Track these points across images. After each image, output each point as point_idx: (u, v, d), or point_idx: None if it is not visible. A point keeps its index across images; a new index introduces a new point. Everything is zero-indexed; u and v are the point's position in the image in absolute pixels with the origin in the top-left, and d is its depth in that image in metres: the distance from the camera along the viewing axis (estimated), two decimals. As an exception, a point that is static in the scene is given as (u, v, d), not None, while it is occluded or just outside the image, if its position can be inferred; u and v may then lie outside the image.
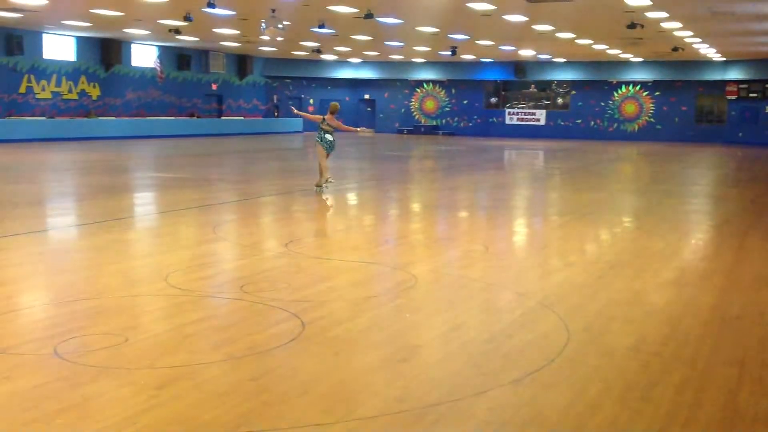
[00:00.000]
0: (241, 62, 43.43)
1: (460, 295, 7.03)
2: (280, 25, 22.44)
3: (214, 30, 30.28)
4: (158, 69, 36.94)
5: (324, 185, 14.87)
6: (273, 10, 21.91)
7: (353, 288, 7.17)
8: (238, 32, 30.98)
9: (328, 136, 15.12)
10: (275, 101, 46.86)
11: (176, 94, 39.48)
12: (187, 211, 12.03)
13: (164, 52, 38.03)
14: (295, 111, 18.15)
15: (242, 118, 43.14)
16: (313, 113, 42.13)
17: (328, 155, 15.09)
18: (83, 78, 34.62)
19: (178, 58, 39.07)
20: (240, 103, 44.32)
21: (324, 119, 15.24)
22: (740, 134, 39.70)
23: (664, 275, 8.03)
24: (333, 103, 15.96)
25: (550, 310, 6.34)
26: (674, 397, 4.44)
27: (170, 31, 28.97)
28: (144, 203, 13.68)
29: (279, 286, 7.06)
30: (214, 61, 41.00)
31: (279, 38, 26.86)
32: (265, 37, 26.94)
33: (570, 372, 4.87)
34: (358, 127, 16.61)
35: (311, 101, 47.89)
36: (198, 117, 39.71)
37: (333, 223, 11.85)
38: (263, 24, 22.76)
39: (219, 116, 42.12)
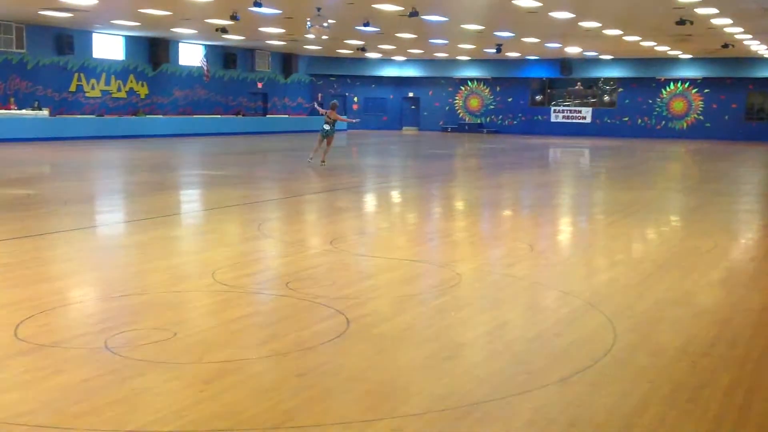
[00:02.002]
0: (286, 61, 43.75)
1: (504, 293, 7.00)
2: (325, 24, 22.55)
3: (260, 29, 30.54)
4: (205, 68, 37.37)
5: (309, 160, 19.87)
6: (318, 9, 22.01)
7: (397, 285, 7.17)
8: (283, 31, 31.21)
9: (326, 126, 19.88)
10: (320, 99, 47.08)
11: (222, 93, 39.91)
12: (233, 208, 12.15)
13: (211, 51, 38.46)
14: (316, 106, 22.44)
15: (287, 116, 43.46)
16: (357, 110, 43.32)
17: (322, 139, 19.95)
18: (132, 77, 35.18)
19: (224, 57, 39.50)
20: (285, 101, 44.66)
21: (326, 113, 20.05)
22: (792, 132, 38.88)
23: (712, 275, 7.90)
24: (333, 101, 20.97)
25: (597, 309, 6.28)
26: (723, 399, 4.37)
27: (217, 30, 29.29)
28: (190, 200, 13.86)
29: (324, 284, 7.10)
30: (259, 59, 41.37)
31: (324, 37, 27.04)
32: (311, 36, 27.14)
33: (617, 372, 4.82)
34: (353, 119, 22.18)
35: (356, 99, 48.06)
36: (243, 115, 40.09)
37: (377, 221, 11.87)
38: (309, 22, 22.90)
39: (264, 114, 42.47)
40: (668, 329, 5.83)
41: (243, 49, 39.97)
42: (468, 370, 4.86)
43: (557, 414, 4.14)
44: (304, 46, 38.67)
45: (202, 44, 37.90)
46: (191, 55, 37.89)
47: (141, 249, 8.83)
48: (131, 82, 35.21)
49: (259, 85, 42.39)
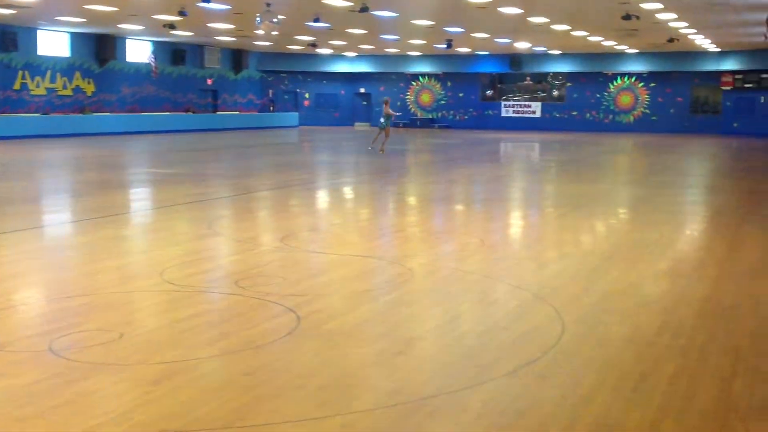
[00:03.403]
0: (237, 57, 43.38)
1: (455, 287, 7.04)
2: (275, 20, 22.39)
3: (209, 25, 30.23)
4: (153, 64, 36.87)
5: (369, 148, 23.89)
6: (268, 4, 21.86)
7: (349, 282, 7.17)
8: (233, 27, 30.93)
9: (381, 119, 24.35)
10: (271, 96, 46.81)
11: (171, 90, 39.43)
12: (183, 206, 12.02)
13: (159, 48, 37.96)
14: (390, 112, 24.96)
15: (238, 112, 43.12)
16: (308, 107, 44.26)
17: (380, 131, 24.03)
18: (78, 74, 34.55)
19: (172, 53, 39.02)
20: (235, 98, 44.27)
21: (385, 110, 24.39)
22: (735, 125, 39.74)
23: (658, 266, 8.05)
24: (385, 98, 26.56)
25: (546, 301, 6.35)
26: (668, 388, 4.46)
27: (165, 26, 28.90)
28: (139, 199, 13.67)
29: (274, 281, 7.07)
30: (209, 55, 40.95)
31: (274, 32, 26.85)
32: (261, 32, 26.93)
33: (565, 363, 4.89)
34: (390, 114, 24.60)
35: (307, 95, 47.88)
36: (193, 112, 39.65)
37: (329, 218, 11.85)
38: (258, 18, 22.72)
39: (214, 111, 42.07)
40: (615, 320, 5.93)
41: (192, 45, 39.52)
42: (419, 365, 4.88)
43: (506, 406, 4.18)
44: (255, 42, 38.39)
45: (150, 40, 37.38)
46: (139, 51, 37.35)
47: (88, 249, 8.69)
48: (77, 79, 34.57)
49: (209, 82, 41.97)
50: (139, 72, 37.42)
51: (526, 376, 4.64)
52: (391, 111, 24.63)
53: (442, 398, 4.29)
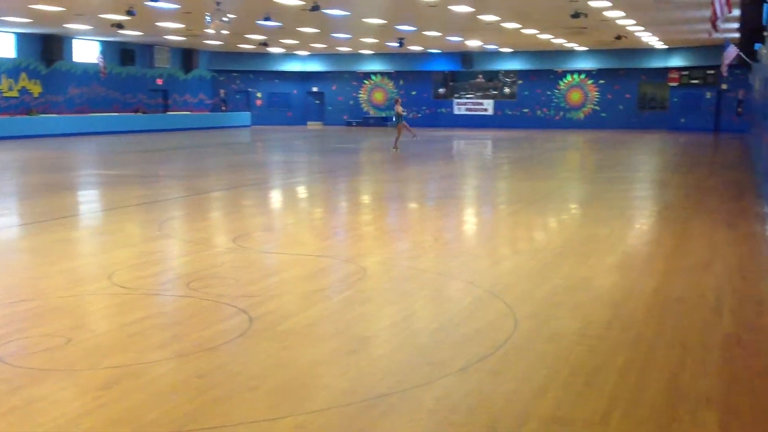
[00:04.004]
0: (187, 56, 42.92)
1: (409, 285, 7.05)
2: (225, 18, 22.19)
3: (158, 24, 29.85)
4: (101, 64, 36.30)
5: (398, 148, 24.43)
6: (218, 3, 21.64)
7: (302, 281, 7.14)
8: (182, 26, 30.58)
9: (393, 117, 26.64)
10: (222, 95, 46.41)
11: (120, 90, 38.87)
12: (133, 208, 11.85)
13: (107, 47, 37.38)
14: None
15: (189, 113, 42.64)
16: (260, 107, 44.25)
17: (397, 127, 25.27)
18: (24, 75, 33.85)
19: (121, 53, 38.45)
20: (186, 98, 43.80)
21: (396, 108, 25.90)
22: (682, 120, 40.48)
23: (608, 261, 8.16)
24: (396, 97, 29.08)
25: (498, 298, 6.40)
26: (618, 380, 4.52)
27: (113, 25, 28.46)
28: (88, 201, 13.44)
29: (227, 282, 7.01)
30: (158, 55, 40.44)
31: (224, 31, 26.61)
32: (211, 31, 26.67)
33: (517, 358, 4.93)
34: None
35: (259, 95, 47.57)
36: (143, 113, 39.13)
37: (282, 217, 11.79)
38: (208, 17, 22.51)
39: (165, 111, 41.56)
40: (566, 314, 5.99)
41: (141, 44, 38.99)
42: (372, 364, 4.88)
43: (458, 402, 4.20)
44: (205, 42, 38.01)
45: (98, 40, 36.78)
46: (87, 51, 36.71)
47: (35, 253, 8.52)
48: (23, 80, 33.86)
49: (159, 82, 41.45)
50: (87, 72, 36.81)
51: (478, 372, 4.66)
52: (401, 109, 25.98)
53: (395, 396, 4.29)
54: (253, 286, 6.83)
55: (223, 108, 45.76)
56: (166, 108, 41.99)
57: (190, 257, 8.33)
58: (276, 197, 14.22)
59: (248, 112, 45.52)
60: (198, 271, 7.50)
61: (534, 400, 4.24)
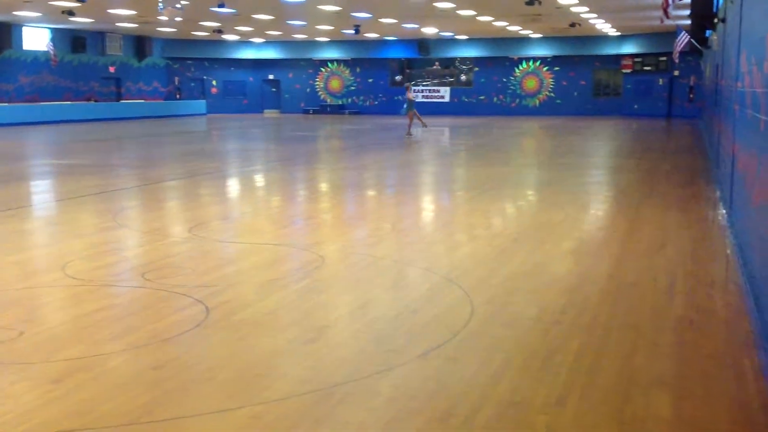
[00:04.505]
0: (140, 44, 42.29)
1: (366, 273, 7.05)
2: (178, 5, 21.92)
3: (110, 11, 29.36)
4: (51, 52, 35.60)
5: (412, 134, 25.25)
6: (170, -10, 21.36)
7: (259, 271, 7.10)
8: (134, 13, 30.12)
9: (405, 105, 26.07)
10: (177, 83, 45.85)
11: (72, 78, 38.19)
12: (86, 198, 11.67)
13: (58, 35, 36.66)
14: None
15: (142, 101, 42.05)
16: (215, 95, 43.78)
17: (408, 115, 25.70)
18: (-29, 63, 33.09)
19: (72, 41, 37.76)
20: (140, 86, 43.18)
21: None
22: (635, 106, 41.01)
23: (564, 246, 8.25)
24: (406, 84, 29.59)
25: (455, 284, 6.43)
26: (573, 364, 4.57)
27: (63, 12, 27.94)
28: (40, 191, 13.19)
29: (182, 272, 6.94)
30: (111, 42, 39.79)
31: (178, 18, 26.28)
32: (163, 18, 26.29)
33: (474, 344, 4.96)
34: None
35: (214, 82, 47.10)
36: (95, 101, 38.50)
37: (239, 206, 11.70)
38: (161, 4, 22.17)
39: (118, 100, 40.95)
40: (522, 300, 6.05)
41: (92, 32, 38.31)
42: (330, 352, 4.87)
43: (416, 389, 4.21)
44: (158, 29, 37.48)
45: (48, 27, 36.05)
46: (36, 39, 35.96)
47: (-15, 245, 8.33)
48: (-29, 68, 33.12)
49: (112, 70, 40.80)
50: (37, 60, 36.08)
51: (436, 359, 4.68)
52: (411, 95, 26.50)
53: (352, 384, 4.29)
54: (209, 275, 6.77)
55: (178, 96, 45.22)
56: (119, 96, 41.37)
57: (145, 247, 8.23)
58: (233, 186, 14.11)
59: (203, 101, 45.06)
60: (153, 262, 7.41)
61: (491, 385, 4.27)
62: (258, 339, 5.12)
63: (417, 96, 45.37)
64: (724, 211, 9.72)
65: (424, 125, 26.91)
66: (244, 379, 4.39)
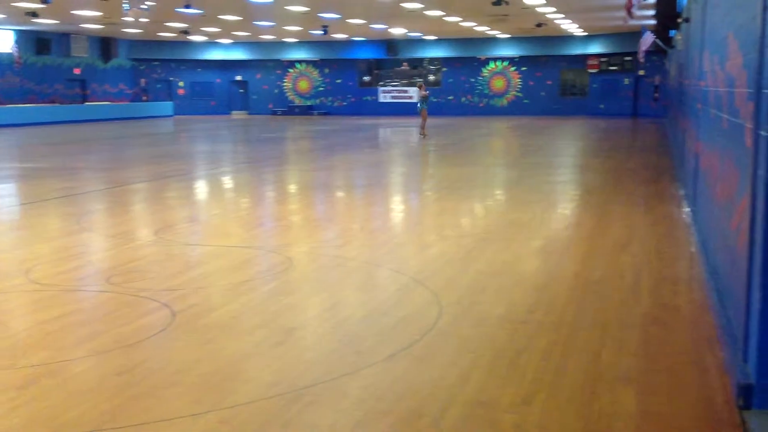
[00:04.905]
0: (105, 45, 41.84)
1: (335, 275, 7.04)
2: (143, 6, 21.74)
3: (74, 12, 29.01)
4: (15, 54, 35.08)
5: (425, 134, 25.11)
6: (135, -9, 21.16)
7: (226, 273, 7.05)
8: (100, 14, 29.78)
9: (418, 104, 25.52)
10: (143, 85, 45.43)
11: (36, 80, 37.69)
12: (51, 202, 11.52)
13: (22, 37, 36.14)
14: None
15: (108, 103, 41.60)
16: (182, 96, 43.20)
17: (422, 113, 25.35)
18: (-68, 65, 32.52)
19: (37, 43, 37.26)
20: (105, 88, 42.72)
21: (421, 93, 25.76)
22: (601, 106, 41.37)
23: (531, 245, 8.29)
24: (419, 82, 29.59)
25: (424, 285, 6.44)
26: (540, 363, 4.60)
27: (27, 14, 27.55)
28: (4, 195, 12.98)
29: (148, 276, 6.87)
30: (75, 44, 39.32)
31: (143, 19, 26.07)
32: (129, 19, 26.05)
33: (442, 344, 4.96)
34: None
35: (181, 84, 46.74)
36: (60, 103, 38.02)
37: (207, 208, 11.62)
38: (126, 5, 21.94)
39: (83, 102, 40.45)
40: (490, 299, 6.07)
41: (57, 33, 37.84)
42: (298, 355, 4.85)
43: (385, 391, 4.21)
44: (124, 30, 37.11)
45: (12, 29, 35.52)
46: (0, 41, 35.41)
47: (-54, 251, 8.19)
48: (-68, 70, 32.54)
49: (77, 71, 40.31)
50: (0, 63, 35.55)
51: (404, 360, 4.68)
52: (424, 93, 25.87)
53: (321, 386, 4.28)
54: (175, 279, 6.72)
55: (144, 98, 44.79)
56: (84, 98, 40.88)
57: (111, 251, 8.14)
58: (200, 188, 14.02)
59: (170, 102, 44.71)
60: (118, 266, 7.34)
61: (459, 385, 4.28)
62: (225, 342, 5.08)
63: (386, 97, 45.56)
64: (688, 209, 9.84)
65: (423, 133, 25.40)
66: (210, 383, 4.36)
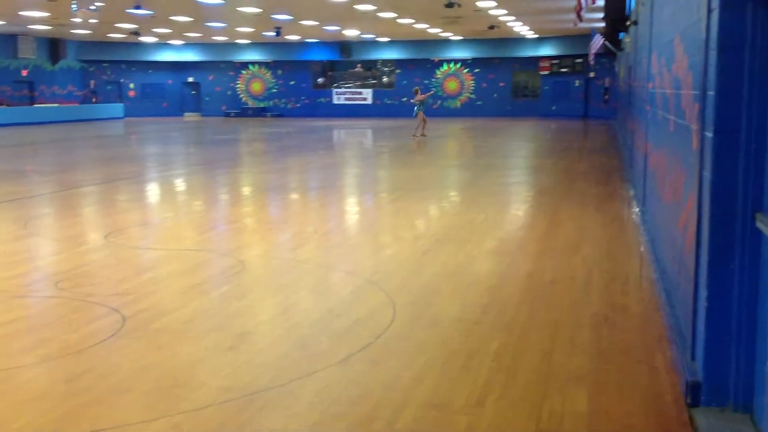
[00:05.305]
0: (54, 46, 41.08)
1: (288, 277, 6.99)
2: (92, 7, 21.40)
3: (21, 13, 28.41)
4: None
5: (419, 136, 25.09)
6: (84, -9, 20.84)
7: (178, 277, 6.97)
8: (48, 14, 29.23)
9: (415, 107, 26.19)
10: (92, 86, 44.72)
11: (-19, 82, 36.86)
12: (-3, 206, 11.27)
13: (-35, 37, 35.34)
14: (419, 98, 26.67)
15: (57, 105, 40.83)
16: (133, 98, 42.48)
17: (422, 119, 25.64)
18: None
19: (-19, 43, 36.44)
20: (54, 90, 41.94)
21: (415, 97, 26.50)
22: (553, 107, 41.83)
23: (485, 246, 8.34)
24: (415, 87, 29.52)
25: (378, 286, 6.43)
26: (492, 364, 4.62)
27: (-30, 13, 26.94)
28: (-53, 200, 12.68)
29: (98, 281, 6.76)
30: (23, 45, 38.50)
31: (92, 20, 25.67)
32: (78, 20, 25.65)
33: (396, 346, 4.96)
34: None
35: (132, 86, 46.11)
36: (7, 105, 37.22)
37: (159, 211, 11.48)
38: (74, 5, 21.61)
39: (31, 104, 39.65)
40: (444, 301, 6.09)
41: (4, 34, 37.03)
42: (251, 359, 4.81)
43: (338, 394, 4.19)
44: (72, 31, 36.47)
45: (-45, 29, 34.73)
46: (-57, 40, 34.61)
47: None
48: None
49: (24, 73, 39.50)
50: (-57, 63, 34.72)
51: (358, 363, 4.67)
52: (421, 96, 26.56)
53: (274, 391, 4.24)
54: (126, 283, 6.62)
55: (94, 100, 44.09)
56: (32, 100, 40.08)
57: (59, 256, 7.99)
58: (152, 191, 13.84)
59: (121, 104, 44.06)
60: (67, 270, 7.20)
61: (413, 387, 4.28)
62: (176, 347, 5.02)
63: (340, 98, 45.50)
64: (638, 209, 9.99)
65: (420, 134, 25.44)
66: (162, 389, 4.30)
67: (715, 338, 3.81)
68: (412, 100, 27.23)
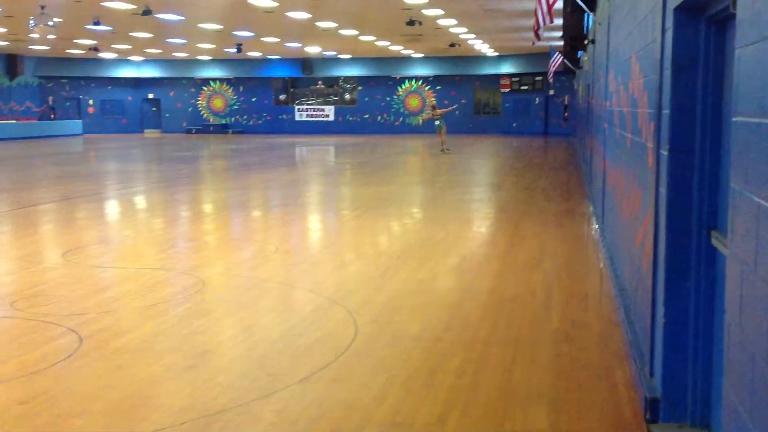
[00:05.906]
0: (11, 62, 40.52)
1: (249, 296, 6.94)
2: (50, 23, 21.11)
3: (-23, 27, 28.04)
4: None
5: (446, 149, 26.26)
6: (42, 7, 20.59)
7: (137, 296, 6.87)
8: (4, 30, 28.86)
9: (436, 121, 26.82)
10: (50, 103, 44.16)
11: (-64, 97, 36.20)
12: (-50, 224, 11.04)
13: None
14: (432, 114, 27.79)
15: (14, 121, 40.24)
16: (92, 114, 42.18)
17: (439, 132, 26.78)
18: None
19: (-64, 58, 35.83)
20: (11, 106, 41.36)
21: (433, 112, 27.51)
22: (514, 125, 42.24)
23: (446, 263, 8.36)
24: (431, 102, 31.80)
25: (339, 305, 6.41)
26: (454, 382, 4.63)
27: (-76, 28, 26.48)
28: None
29: (54, 300, 6.65)
30: (-22, 60, 37.96)
31: (50, 36, 25.33)
32: (35, 35, 25.31)
33: (357, 365, 4.94)
34: None
35: (91, 102, 45.63)
36: (-37, 121, 36.62)
37: (118, 229, 11.33)
38: (32, 21, 21.33)
39: (-13, 120, 39.05)
40: (406, 318, 6.08)
41: (-42, 49, 36.49)
42: (210, 378, 4.75)
43: (299, 414, 4.16)
44: (30, 47, 36.02)
45: None
46: None
47: None
48: None
49: (-20, 89, 38.92)
50: None
51: (319, 382, 4.64)
52: (438, 111, 27.48)
53: (234, 411, 4.20)
54: (83, 303, 6.51)
55: (52, 116, 43.54)
56: (-12, 116, 39.48)
57: (15, 275, 7.84)
58: (111, 209, 13.67)
59: (80, 120, 43.57)
60: (23, 290, 7.07)
61: (373, 406, 4.27)
62: (135, 368, 4.95)
63: (302, 115, 45.46)
64: (597, 226, 10.10)
65: (446, 147, 26.54)
66: (119, 410, 4.23)
67: (673, 354, 3.86)
68: (431, 116, 27.91)
